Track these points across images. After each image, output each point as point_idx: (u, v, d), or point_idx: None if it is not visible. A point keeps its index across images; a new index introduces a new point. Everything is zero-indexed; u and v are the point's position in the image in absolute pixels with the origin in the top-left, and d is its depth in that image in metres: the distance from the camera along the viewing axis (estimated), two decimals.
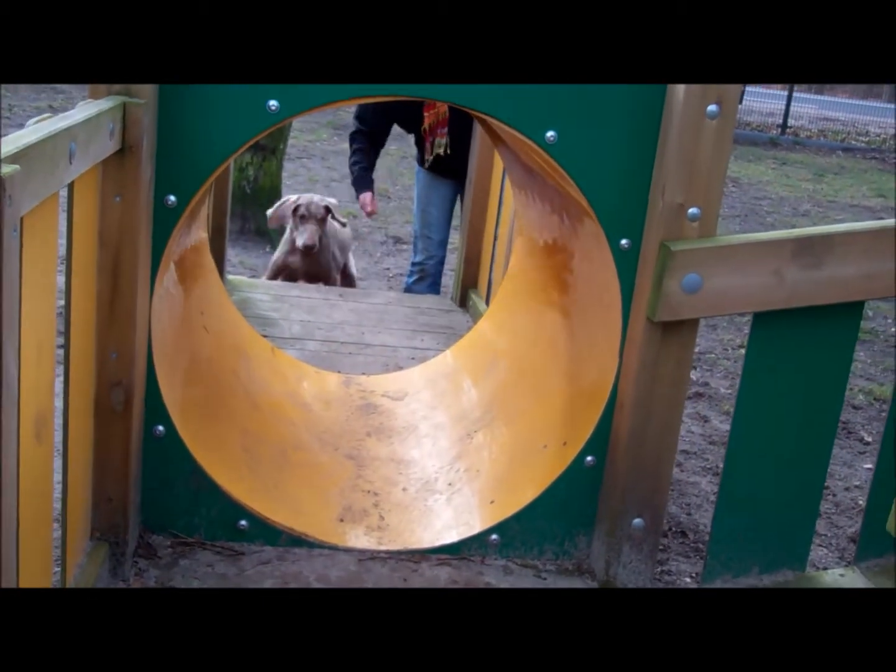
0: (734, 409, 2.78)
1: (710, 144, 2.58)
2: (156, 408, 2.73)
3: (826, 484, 4.41)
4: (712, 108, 2.55)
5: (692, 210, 2.60)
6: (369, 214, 5.99)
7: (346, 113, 16.43)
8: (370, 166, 5.83)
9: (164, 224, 2.61)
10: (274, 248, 8.26)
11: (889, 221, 2.68)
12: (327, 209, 5.79)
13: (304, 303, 5.16)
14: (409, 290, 6.00)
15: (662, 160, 2.64)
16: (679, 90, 2.55)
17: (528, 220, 3.88)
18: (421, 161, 5.79)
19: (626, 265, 2.75)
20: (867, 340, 7.16)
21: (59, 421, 2.25)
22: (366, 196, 5.79)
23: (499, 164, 4.98)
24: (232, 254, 7.74)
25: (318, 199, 5.85)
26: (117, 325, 2.47)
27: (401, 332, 4.87)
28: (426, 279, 5.83)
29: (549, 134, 2.67)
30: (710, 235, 2.63)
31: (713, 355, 6.35)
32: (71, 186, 2.10)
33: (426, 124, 5.38)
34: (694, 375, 5.87)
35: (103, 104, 2.26)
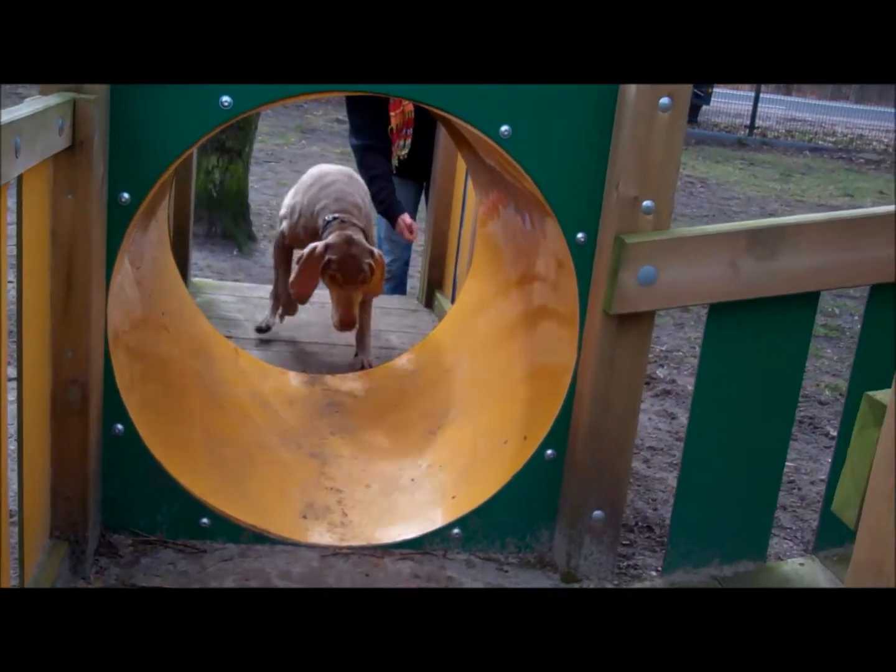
0: (692, 401, 2.79)
1: (662, 137, 2.60)
2: (114, 406, 2.72)
3: (791, 478, 4.47)
4: (664, 100, 2.57)
5: (646, 203, 2.62)
6: (411, 239, 5.14)
7: (313, 116, 16.48)
8: (394, 188, 5.22)
9: (119, 222, 2.60)
10: (241, 252, 8.25)
11: (838, 213, 2.71)
12: (371, 269, 4.02)
13: (269, 304, 5.14)
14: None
15: (616, 154, 2.65)
16: (631, 84, 2.57)
17: (489, 219, 3.90)
18: (385, 176, 5.20)
19: (583, 259, 2.77)
20: (834, 337, 7.20)
21: (13, 421, 2.25)
22: (405, 217, 5.03)
23: (461, 166, 4.98)
24: (199, 257, 7.71)
25: (358, 247, 3.97)
26: (72, 323, 2.46)
27: None
28: (392, 280, 5.76)
29: (504, 128, 2.68)
30: (664, 228, 2.65)
31: (680, 353, 6.37)
32: (20, 181, 2.09)
33: (393, 125, 5.26)
34: (661, 373, 5.89)
35: (51, 100, 2.25)
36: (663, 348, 6.40)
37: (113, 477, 2.76)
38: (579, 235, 2.75)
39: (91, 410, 2.56)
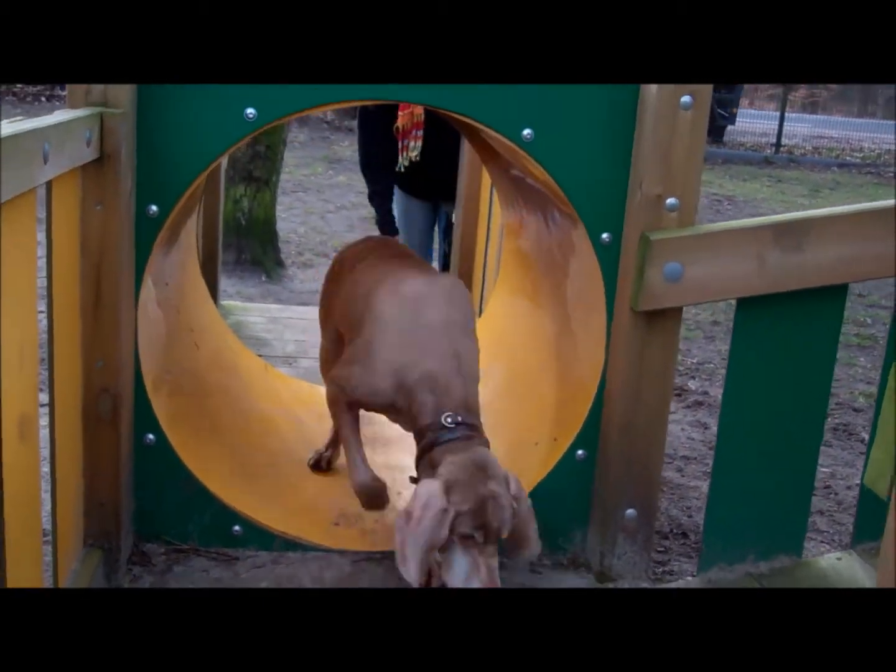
0: (722, 398, 2.78)
1: (685, 135, 2.60)
2: (145, 417, 2.74)
3: (828, 483, 4.43)
4: (686, 99, 2.57)
5: (670, 200, 2.62)
6: None
7: (339, 147, 16.57)
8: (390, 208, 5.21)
9: (147, 234, 2.63)
10: (270, 278, 8.31)
11: (865, 205, 2.70)
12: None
13: (299, 324, 5.18)
14: None
15: (639, 153, 2.66)
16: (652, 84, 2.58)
17: (515, 231, 3.91)
18: (383, 194, 5.19)
19: (609, 259, 2.77)
20: (867, 346, 7.16)
21: (46, 429, 2.27)
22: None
23: (486, 182, 4.98)
24: (228, 284, 7.77)
25: (496, 481, 2.44)
26: (102, 333, 2.48)
27: None
28: None
29: (526, 132, 2.69)
30: (688, 225, 2.64)
31: (711, 365, 6.34)
32: (49, 188, 2.12)
33: (399, 124, 5.07)
34: (693, 385, 5.87)
35: (79, 112, 2.29)
36: (694, 360, 6.38)
37: (145, 486, 2.78)
38: (604, 236, 2.75)
39: (122, 420, 2.58)
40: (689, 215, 2.64)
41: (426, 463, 2.51)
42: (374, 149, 5.03)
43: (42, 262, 2.14)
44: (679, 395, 5.57)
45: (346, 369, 2.81)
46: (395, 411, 2.72)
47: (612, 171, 2.72)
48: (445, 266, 5.54)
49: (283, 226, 9.98)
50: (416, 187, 5.19)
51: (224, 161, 8.47)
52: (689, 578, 3.06)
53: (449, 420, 2.50)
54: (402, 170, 4.98)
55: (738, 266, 2.62)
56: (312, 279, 8.54)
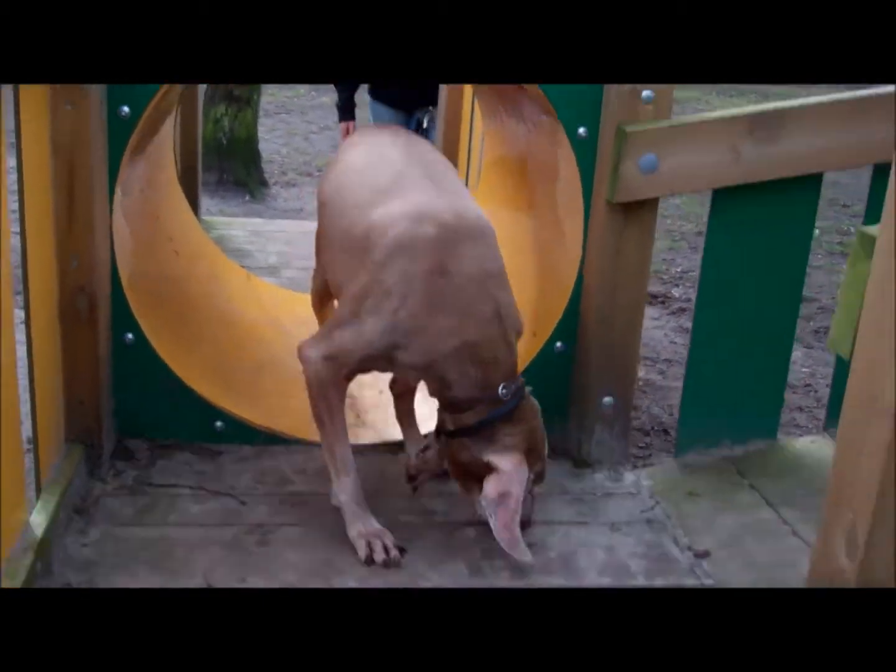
0: (698, 285, 2.82)
1: None
2: (124, 316, 2.75)
3: (808, 382, 4.49)
4: None
5: (645, 93, 2.61)
6: None
7: None
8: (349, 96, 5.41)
9: (119, 135, 2.61)
10: (253, 197, 8.28)
11: (839, 94, 2.70)
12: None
13: (281, 236, 5.18)
14: None
15: None
16: None
17: (496, 138, 3.90)
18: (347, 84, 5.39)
19: (586, 154, 2.77)
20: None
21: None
22: (348, 125, 5.38)
23: (467, 96, 4.96)
24: (211, 204, 7.76)
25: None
26: (76, 232, 2.49)
27: None
28: None
29: None
30: (664, 117, 2.65)
31: (694, 273, 6.37)
32: (16, 86, 2.10)
33: None
34: (677, 292, 5.90)
35: None
36: (679, 269, 6.42)
37: (126, 384, 2.80)
38: (581, 130, 2.75)
39: (99, 319, 2.60)
40: (664, 108, 2.64)
41: (485, 436, 2.36)
42: None
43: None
44: (663, 302, 5.61)
45: (342, 334, 2.40)
46: (414, 379, 2.60)
47: None
48: None
49: (266, 147, 9.94)
50: (389, 96, 5.29)
51: None
52: (667, 459, 3.10)
53: (504, 392, 2.35)
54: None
55: (712, 157, 2.64)
56: (296, 198, 8.54)
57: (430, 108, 5.38)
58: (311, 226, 5.55)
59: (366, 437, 2.97)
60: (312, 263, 4.65)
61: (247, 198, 8.25)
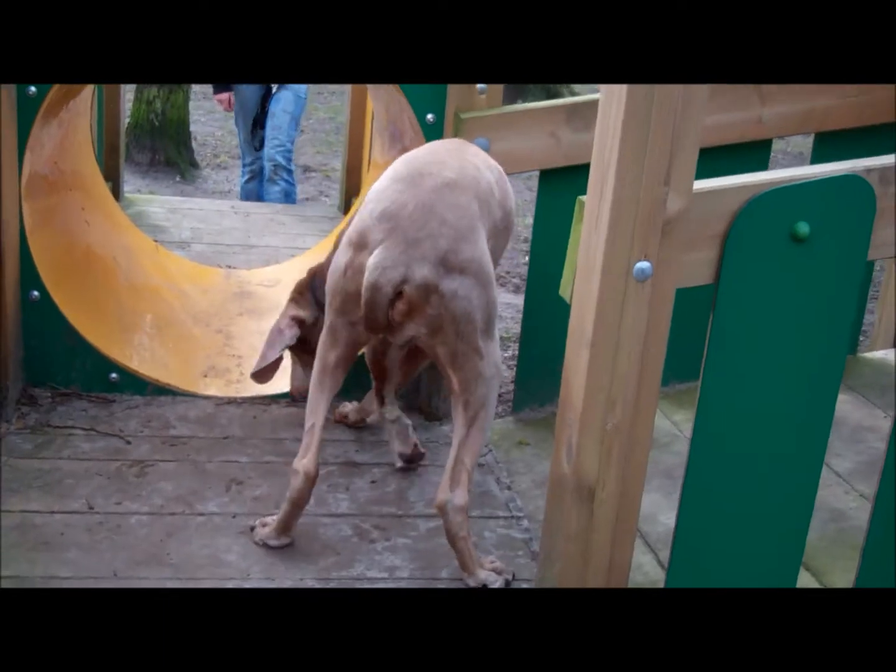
0: (529, 255, 3.24)
1: None
2: (31, 275, 3.14)
3: None
4: None
5: (480, 84, 3.03)
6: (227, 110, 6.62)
7: None
8: None
9: (27, 111, 3.00)
10: (184, 178, 8.63)
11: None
12: None
13: (197, 214, 5.56)
14: (244, 191, 6.73)
15: None
16: None
17: (378, 120, 4.30)
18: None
19: (434, 137, 3.17)
20: None
21: None
22: (220, 96, 6.43)
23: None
24: (142, 184, 8.10)
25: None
26: None
27: (285, 235, 5.29)
28: (256, 178, 6.40)
29: None
30: (496, 106, 3.07)
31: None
32: None
33: None
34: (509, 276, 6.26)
35: None
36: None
37: (32, 337, 3.19)
38: (429, 116, 3.15)
39: (7, 276, 2.98)
40: (496, 97, 3.06)
41: None
42: None
43: None
44: (503, 285, 5.94)
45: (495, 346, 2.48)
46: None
47: None
48: (259, 121, 6.52)
49: (200, 129, 10.26)
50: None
51: None
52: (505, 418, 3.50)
53: None
54: None
55: (537, 141, 3.06)
56: (226, 180, 8.89)
57: None
58: (226, 204, 5.98)
59: (244, 391, 3.39)
60: (220, 238, 5.07)
61: (178, 178, 8.58)
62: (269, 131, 6.31)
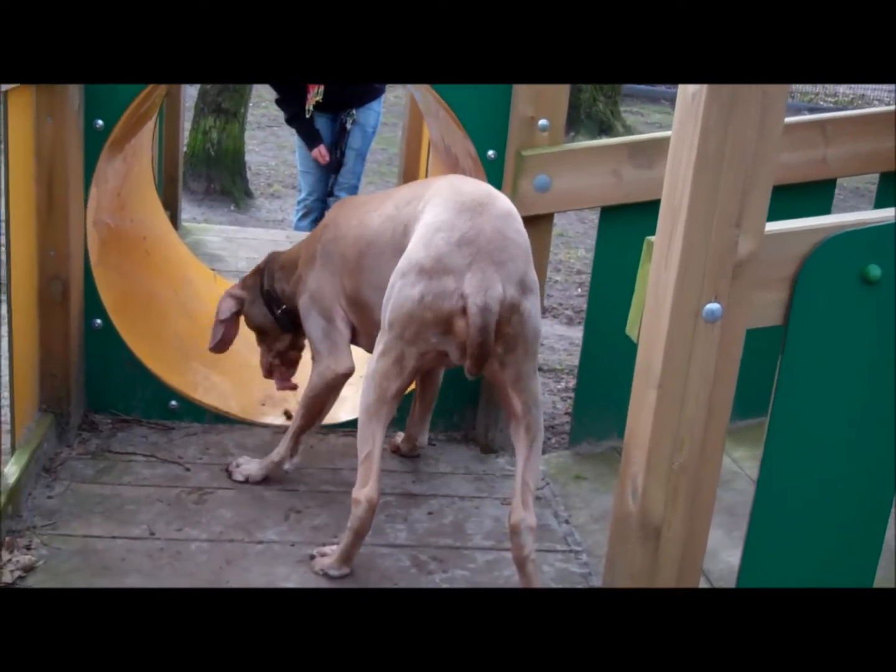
0: (589, 291, 3.24)
1: None
2: (94, 304, 3.19)
3: None
4: None
5: (542, 122, 3.06)
6: (322, 162, 6.23)
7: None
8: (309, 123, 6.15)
9: (94, 144, 3.06)
10: (238, 207, 8.71)
11: None
12: None
13: (252, 243, 5.62)
14: (297, 228, 6.44)
15: None
16: None
17: (435, 153, 4.34)
18: (298, 116, 6.08)
19: (495, 173, 3.20)
20: None
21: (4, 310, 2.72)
22: (319, 148, 6.08)
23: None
24: (198, 213, 8.18)
25: None
26: (53, 227, 2.93)
27: None
28: (310, 215, 6.31)
29: None
30: (557, 143, 3.09)
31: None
32: (4, 98, 2.54)
33: None
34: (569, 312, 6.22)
35: None
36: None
37: (94, 364, 3.24)
38: (490, 152, 3.18)
39: (72, 304, 3.03)
40: (557, 134, 3.08)
41: None
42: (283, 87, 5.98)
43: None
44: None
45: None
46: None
47: (496, 96, 3.13)
48: (337, 164, 6.28)
49: (255, 158, 10.36)
50: (319, 108, 6.02)
51: (194, 93, 8.89)
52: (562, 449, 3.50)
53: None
54: (309, 114, 5.93)
55: (598, 179, 3.07)
56: (279, 209, 8.95)
57: (353, 110, 5.99)
58: (282, 234, 6.03)
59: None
60: None
61: (232, 207, 8.66)
62: (341, 176, 6.26)
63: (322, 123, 6.12)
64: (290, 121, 6.13)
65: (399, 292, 2.43)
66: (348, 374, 2.96)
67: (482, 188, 2.58)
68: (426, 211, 2.53)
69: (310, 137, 6.08)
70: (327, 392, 2.95)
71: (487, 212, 2.43)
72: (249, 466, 3.05)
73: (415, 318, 2.39)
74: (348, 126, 6.11)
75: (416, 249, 2.44)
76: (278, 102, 6.16)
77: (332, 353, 2.93)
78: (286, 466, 3.03)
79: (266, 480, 3.02)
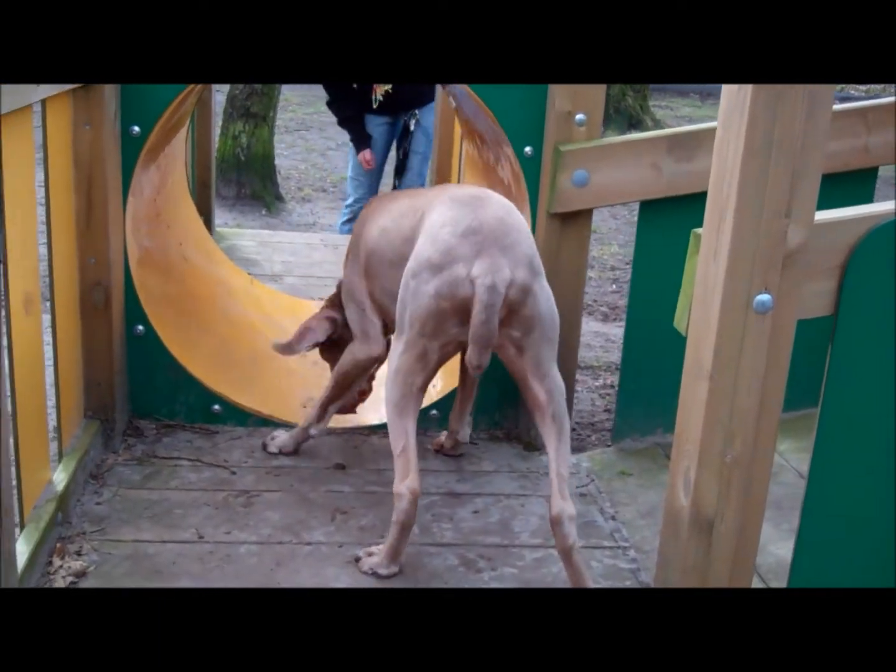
0: (629, 289, 3.23)
1: None
2: (136, 310, 3.21)
3: None
4: None
5: (579, 116, 3.04)
6: (367, 168, 6.14)
7: None
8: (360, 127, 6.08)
9: (131, 150, 3.08)
10: (269, 211, 8.74)
11: None
12: None
13: (287, 247, 5.64)
14: (341, 232, 6.37)
15: None
16: None
17: (471, 156, 4.33)
18: (360, 111, 5.98)
19: (531, 170, 3.20)
20: None
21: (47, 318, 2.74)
22: (364, 153, 6.03)
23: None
24: (229, 217, 8.22)
25: None
26: (93, 234, 2.94)
27: None
28: (354, 220, 6.27)
29: None
30: (595, 137, 3.07)
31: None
32: (43, 106, 2.56)
33: None
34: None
35: None
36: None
37: (137, 370, 3.26)
38: (527, 149, 3.17)
39: (114, 311, 3.05)
40: (595, 129, 3.07)
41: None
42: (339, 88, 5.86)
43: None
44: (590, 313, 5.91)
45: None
46: None
47: (532, 93, 3.12)
48: (401, 167, 6.23)
49: (284, 162, 10.40)
50: (380, 108, 5.94)
51: (222, 98, 8.92)
52: (605, 448, 3.50)
53: None
54: (377, 105, 5.78)
55: (637, 172, 3.06)
56: (310, 213, 8.98)
57: (416, 111, 5.91)
58: (315, 238, 6.04)
59: (343, 421, 3.42)
60: (312, 270, 5.12)
61: (263, 212, 8.69)
62: (407, 180, 6.18)
63: (381, 125, 6.07)
64: (343, 122, 6.08)
65: (415, 292, 2.48)
66: (377, 360, 3.11)
67: (477, 188, 2.71)
68: (426, 217, 2.61)
69: (360, 140, 6.04)
70: (356, 371, 3.12)
71: (487, 204, 2.53)
72: (282, 438, 3.24)
73: (433, 313, 2.45)
74: (412, 127, 6.08)
75: (423, 248, 2.51)
76: (329, 105, 6.09)
77: (364, 340, 3.07)
78: (312, 431, 3.22)
79: (312, 481, 3.02)
